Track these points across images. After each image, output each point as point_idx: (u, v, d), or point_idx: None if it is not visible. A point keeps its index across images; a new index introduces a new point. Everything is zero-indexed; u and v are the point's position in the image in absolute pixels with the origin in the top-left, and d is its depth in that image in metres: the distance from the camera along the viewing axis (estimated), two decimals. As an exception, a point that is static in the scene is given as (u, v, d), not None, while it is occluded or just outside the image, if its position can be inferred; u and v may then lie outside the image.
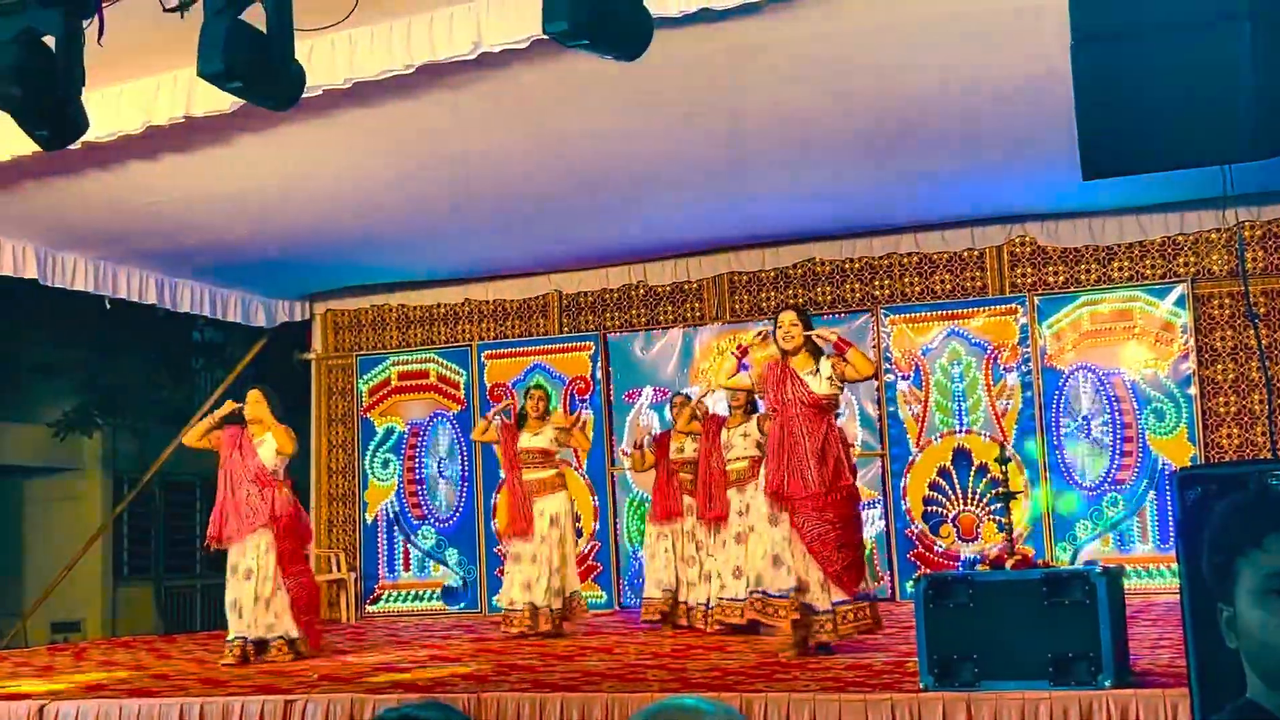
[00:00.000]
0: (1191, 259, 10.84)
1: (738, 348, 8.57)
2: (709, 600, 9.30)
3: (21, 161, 7.85)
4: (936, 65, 7.52)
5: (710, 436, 9.31)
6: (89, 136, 6.93)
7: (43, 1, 4.86)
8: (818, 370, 7.37)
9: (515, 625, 9.23)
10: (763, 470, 7.73)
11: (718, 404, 10.10)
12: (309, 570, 8.87)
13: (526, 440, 9.47)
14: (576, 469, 11.82)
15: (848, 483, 7.29)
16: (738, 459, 9.03)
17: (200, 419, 8.78)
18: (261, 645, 8.43)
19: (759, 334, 7.80)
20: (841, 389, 7.49)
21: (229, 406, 8.65)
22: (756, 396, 8.52)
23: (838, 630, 7.19)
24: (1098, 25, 4.09)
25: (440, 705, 1.73)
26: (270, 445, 8.55)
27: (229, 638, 8.45)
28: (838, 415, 7.58)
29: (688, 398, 9.98)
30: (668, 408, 10.32)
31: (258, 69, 4.83)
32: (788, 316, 7.51)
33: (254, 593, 8.39)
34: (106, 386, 15.91)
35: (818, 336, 7.42)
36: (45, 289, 10.82)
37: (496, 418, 9.74)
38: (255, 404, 8.64)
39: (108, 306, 11.47)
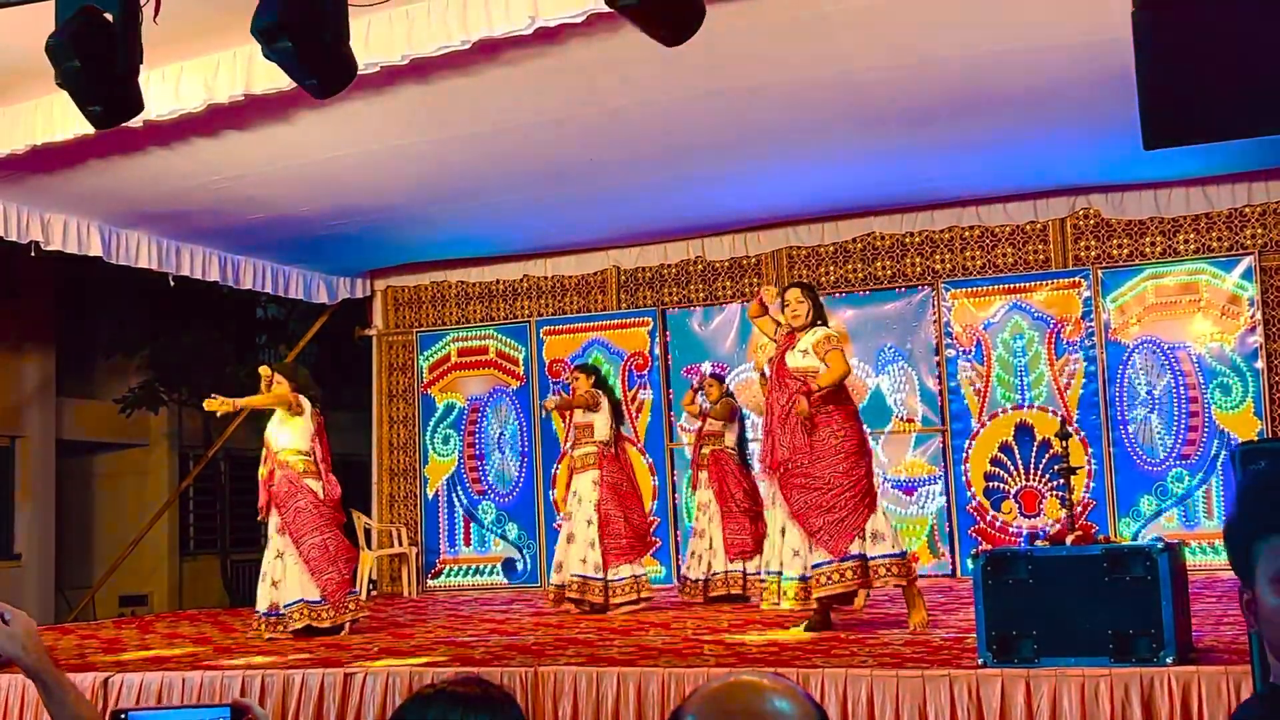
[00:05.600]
0: (1259, 231, 10.65)
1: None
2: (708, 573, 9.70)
3: (85, 140, 7.93)
4: (998, 32, 7.42)
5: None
6: (150, 115, 7.04)
7: (103, -21, 4.92)
8: (799, 345, 7.34)
9: (562, 600, 9.41)
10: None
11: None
12: (331, 531, 8.41)
13: (579, 416, 9.54)
14: (634, 443, 11.84)
15: (841, 447, 7.15)
16: None
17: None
18: (280, 620, 8.27)
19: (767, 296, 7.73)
20: (824, 363, 7.29)
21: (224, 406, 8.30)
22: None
23: (808, 596, 7.15)
24: (1159, -10, 4.01)
25: (480, 680, 1.73)
26: (299, 425, 8.47)
27: (258, 611, 8.44)
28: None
29: (718, 378, 10.11)
30: (694, 381, 10.58)
31: (309, 35, 4.83)
32: (794, 294, 7.48)
33: (272, 565, 8.38)
34: (171, 363, 16.09)
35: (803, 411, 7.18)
36: (110, 267, 10.94)
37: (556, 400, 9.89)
38: (266, 380, 8.62)
39: (171, 284, 11.58)
